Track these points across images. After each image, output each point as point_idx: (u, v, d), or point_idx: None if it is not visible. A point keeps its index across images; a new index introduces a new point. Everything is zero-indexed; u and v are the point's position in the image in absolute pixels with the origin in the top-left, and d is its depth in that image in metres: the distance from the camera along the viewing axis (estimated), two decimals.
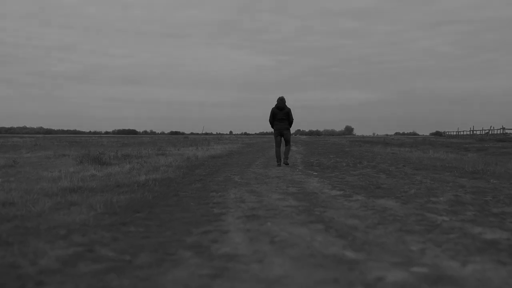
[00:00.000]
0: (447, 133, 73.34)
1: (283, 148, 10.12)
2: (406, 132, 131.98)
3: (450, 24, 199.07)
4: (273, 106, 9.96)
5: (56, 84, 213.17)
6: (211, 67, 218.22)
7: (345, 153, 15.62)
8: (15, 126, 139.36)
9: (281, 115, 9.84)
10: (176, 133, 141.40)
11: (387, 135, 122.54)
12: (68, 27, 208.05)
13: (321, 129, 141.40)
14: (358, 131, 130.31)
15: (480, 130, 55.37)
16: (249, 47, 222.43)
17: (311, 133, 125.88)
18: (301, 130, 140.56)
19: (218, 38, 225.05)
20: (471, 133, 57.35)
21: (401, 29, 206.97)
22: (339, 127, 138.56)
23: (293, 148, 18.90)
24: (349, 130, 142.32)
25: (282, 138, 10.07)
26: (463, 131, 62.90)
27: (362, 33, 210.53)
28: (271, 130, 10.28)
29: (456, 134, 65.44)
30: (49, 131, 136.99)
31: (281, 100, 9.84)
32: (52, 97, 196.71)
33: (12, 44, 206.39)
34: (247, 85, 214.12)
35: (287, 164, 9.69)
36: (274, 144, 10.09)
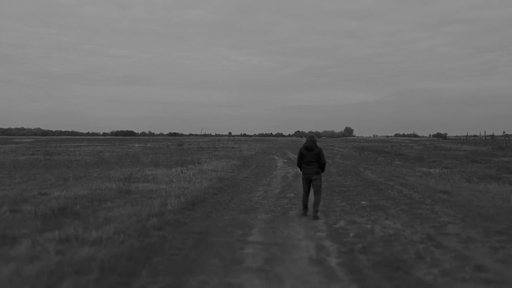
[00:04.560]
0: (457, 137, 69.69)
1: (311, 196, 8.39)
2: (406, 133, 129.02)
3: (450, 24, 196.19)
4: (302, 141, 7.70)
5: (56, 84, 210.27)
6: (211, 68, 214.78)
7: (375, 189, 11.42)
8: (12, 127, 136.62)
9: (310, 157, 8.40)
10: (175, 134, 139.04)
11: (387, 136, 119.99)
12: (67, 27, 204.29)
13: (320, 129, 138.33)
14: (357, 132, 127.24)
15: (490, 136, 52.03)
16: (249, 48, 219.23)
17: None
18: (300, 131, 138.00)
19: (218, 38, 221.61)
20: (484, 138, 53.84)
21: (401, 30, 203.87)
22: (339, 128, 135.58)
23: (296, 169, 13.94)
24: (348, 131, 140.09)
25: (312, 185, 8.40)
26: (474, 135, 59.54)
27: (362, 33, 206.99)
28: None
29: (465, 139, 62.01)
30: (46, 133, 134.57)
31: (311, 139, 8.52)
32: (51, 97, 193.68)
33: (11, 44, 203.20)
34: (246, 85, 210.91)
35: (316, 218, 7.84)
36: (302, 190, 8.74)
